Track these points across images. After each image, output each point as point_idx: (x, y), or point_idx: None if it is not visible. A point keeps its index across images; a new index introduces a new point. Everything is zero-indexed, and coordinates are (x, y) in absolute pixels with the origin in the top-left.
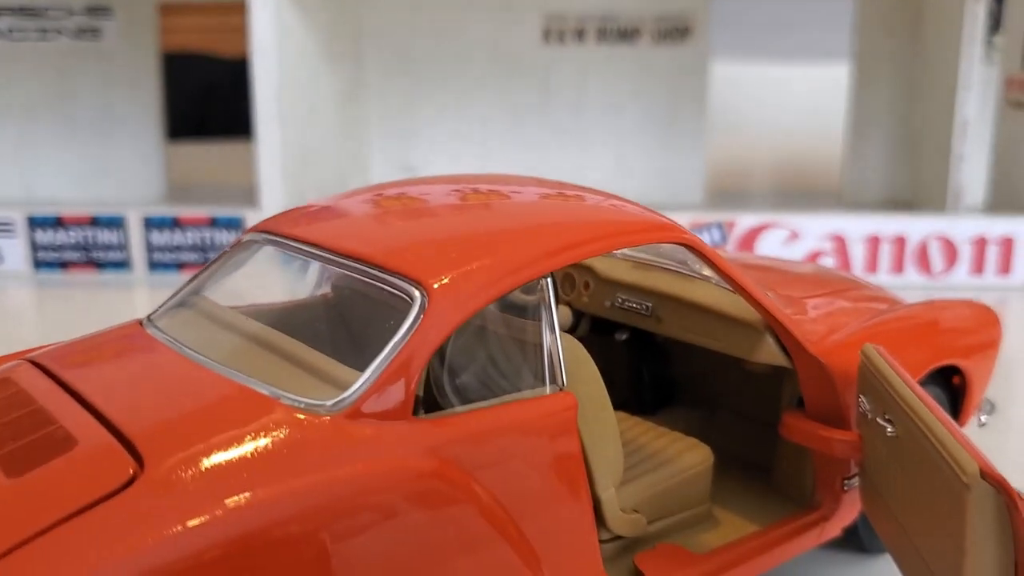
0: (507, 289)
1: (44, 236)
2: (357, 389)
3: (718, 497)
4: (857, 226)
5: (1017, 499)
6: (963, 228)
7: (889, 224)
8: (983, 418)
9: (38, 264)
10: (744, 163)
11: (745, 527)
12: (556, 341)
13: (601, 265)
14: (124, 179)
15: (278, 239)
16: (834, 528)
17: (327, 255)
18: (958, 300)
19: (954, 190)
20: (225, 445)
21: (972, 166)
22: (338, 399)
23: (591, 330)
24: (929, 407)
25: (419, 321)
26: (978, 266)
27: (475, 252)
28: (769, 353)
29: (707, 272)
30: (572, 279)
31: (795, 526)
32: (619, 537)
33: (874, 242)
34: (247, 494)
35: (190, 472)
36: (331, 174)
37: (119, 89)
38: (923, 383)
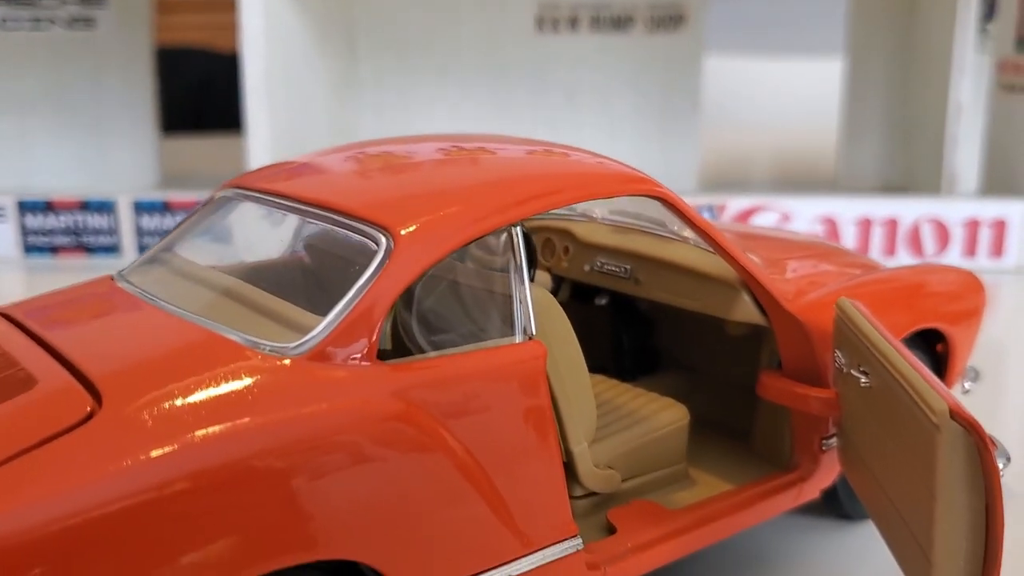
0: (474, 236)
1: (34, 221)
2: (320, 332)
3: (695, 458)
4: (849, 208)
5: (987, 440)
6: (955, 210)
7: (881, 206)
8: (967, 385)
9: (28, 249)
10: (739, 155)
11: (721, 486)
12: (525, 290)
13: (581, 230)
14: (118, 171)
15: (251, 194)
16: (812, 489)
17: (298, 206)
18: (943, 265)
19: (948, 175)
20: (185, 385)
21: (966, 153)
22: (301, 342)
23: (571, 296)
24: (902, 355)
25: (384, 266)
26: (970, 248)
27: (444, 200)
28: (745, 311)
29: (687, 234)
30: (552, 244)
31: (771, 486)
32: (593, 493)
33: (866, 224)
34: (205, 430)
35: (148, 409)
36: None
37: (113, 81)
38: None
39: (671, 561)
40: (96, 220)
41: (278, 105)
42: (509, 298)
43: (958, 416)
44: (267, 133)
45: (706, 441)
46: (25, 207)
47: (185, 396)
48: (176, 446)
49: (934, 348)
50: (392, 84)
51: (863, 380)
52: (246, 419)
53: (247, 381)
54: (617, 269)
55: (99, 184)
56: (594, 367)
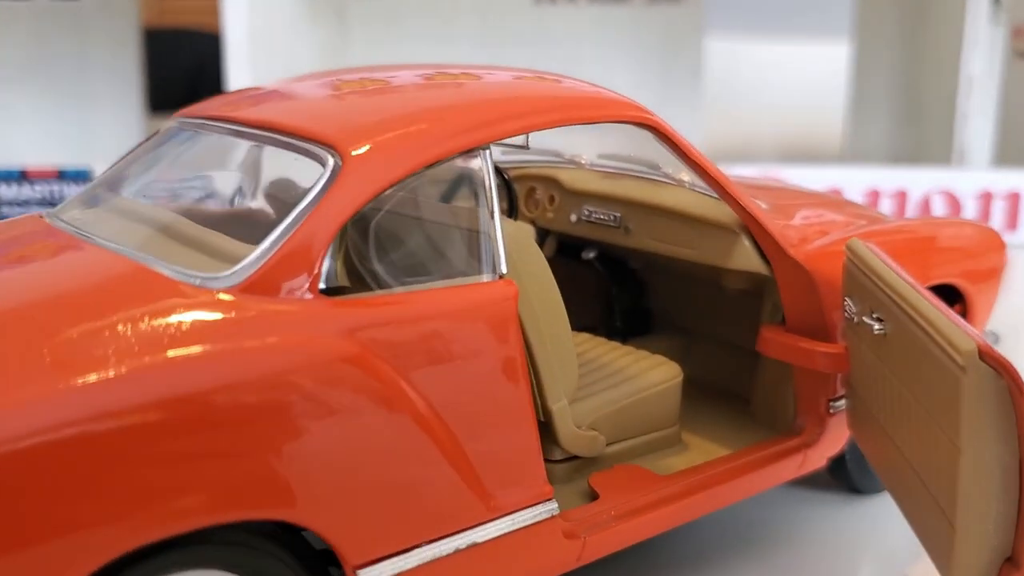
0: (437, 157)
1: (8, 191)
2: (253, 262)
3: (690, 422)
4: (857, 179)
5: (1020, 382)
6: (968, 181)
7: (891, 177)
8: None
9: (2, 219)
10: (744, 135)
11: (717, 452)
12: (495, 223)
13: (567, 177)
14: (101, 146)
15: (200, 122)
16: (818, 457)
17: (245, 130)
18: (962, 219)
19: (959, 150)
20: (104, 317)
21: (979, 128)
22: (231, 272)
23: (558, 251)
24: (923, 294)
25: (329, 188)
26: (983, 221)
27: (406, 119)
28: (746, 258)
29: (684, 177)
30: (536, 194)
31: (772, 452)
32: (574, 457)
33: (874, 196)
34: (117, 368)
35: (67, 342)
36: None
37: (99, 56)
38: None
39: (660, 532)
40: (72, 190)
41: (261, 76)
42: (476, 231)
43: (988, 357)
44: None
45: (703, 405)
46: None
47: (102, 327)
48: (78, 385)
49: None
50: (384, 55)
51: (876, 327)
52: (159, 356)
53: (169, 315)
54: (605, 217)
55: (84, 163)
56: (582, 327)
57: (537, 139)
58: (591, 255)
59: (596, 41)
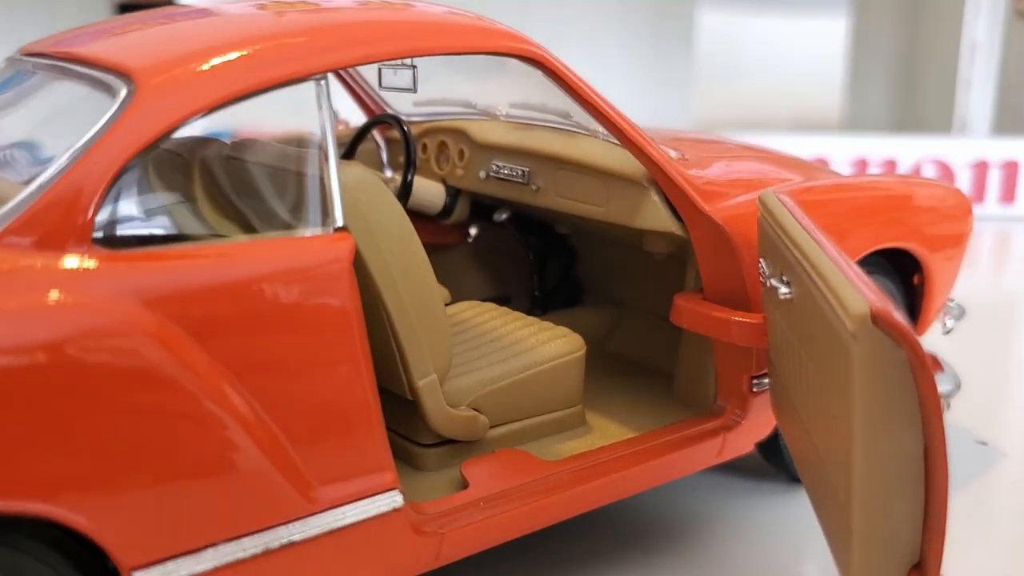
0: (251, 88)
1: None
2: (16, 207)
3: (604, 403)
4: (844, 148)
5: (922, 355)
6: (962, 150)
7: (880, 145)
8: (949, 322)
9: None
10: (738, 108)
11: (622, 436)
12: (330, 167)
13: (476, 128)
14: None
15: (26, 59)
16: (741, 441)
17: (53, 63)
18: (927, 179)
19: (960, 119)
20: None
21: (980, 96)
22: None
23: (474, 213)
24: (825, 250)
25: (115, 121)
26: (978, 193)
27: (217, 48)
28: (655, 216)
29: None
30: (446, 148)
31: (685, 435)
32: (451, 441)
33: (861, 165)
34: None
35: None
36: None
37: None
38: (866, 273)
39: (541, 526)
40: None
41: None
42: (305, 176)
43: (883, 322)
44: None
45: (624, 383)
46: None
47: None
48: None
49: (909, 279)
50: None
51: (783, 291)
52: None
53: None
54: (513, 173)
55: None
56: (497, 297)
57: (449, 89)
58: (503, 217)
59: (584, 12)
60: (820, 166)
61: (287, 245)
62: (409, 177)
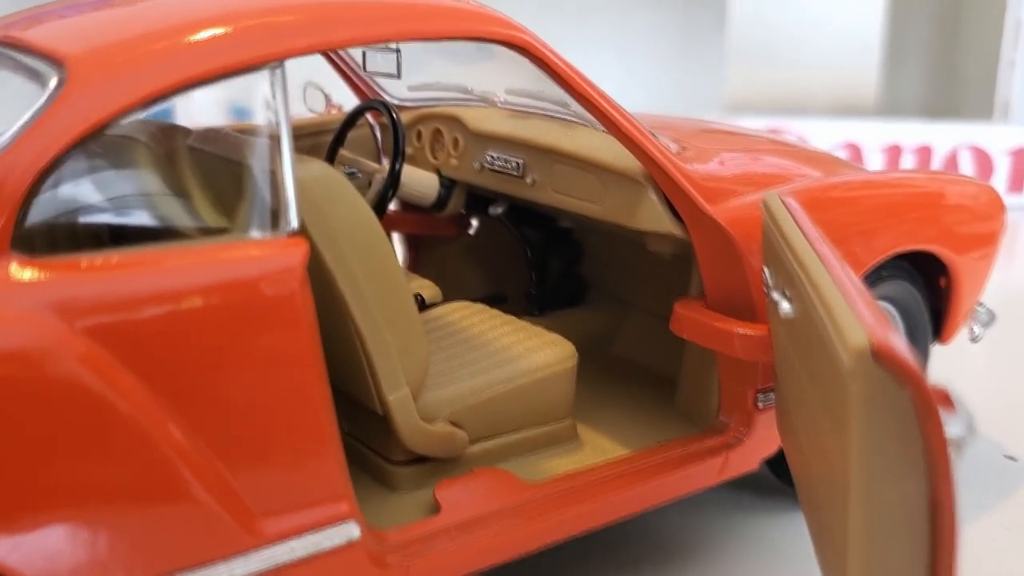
0: (197, 77)
1: None
2: None
3: (599, 416)
4: (875, 133)
5: (929, 396)
6: (1002, 137)
7: (915, 132)
8: (977, 330)
9: None
10: (771, 92)
11: (615, 453)
12: (284, 162)
13: (472, 116)
14: None
15: None
16: (745, 460)
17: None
18: (957, 175)
19: (1002, 103)
20: None
21: (1023, 76)
22: None
23: (469, 205)
24: (827, 266)
25: (45, 111)
26: (1017, 182)
27: (163, 33)
28: (652, 216)
29: None
30: (441, 136)
31: (683, 453)
32: (427, 459)
33: (895, 152)
34: None
35: None
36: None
37: None
38: (888, 276)
39: (520, 553)
40: None
41: None
42: (254, 173)
43: (884, 358)
44: None
45: (624, 393)
46: None
47: None
48: None
49: (936, 282)
50: None
51: (784, 307)
52: None
53: None
54: (507, 165)
55: None
56: (493, 298)
57: (445, 73)
58: (498, 211)
59: None
60: (845, 161)
61: (230, 252)
62: (397, 166)
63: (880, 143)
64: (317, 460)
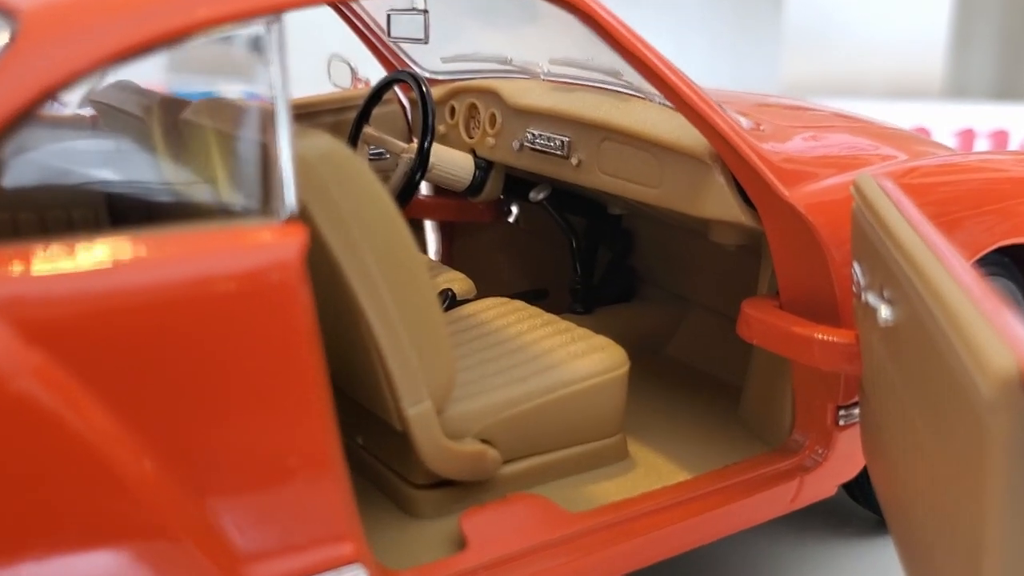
0: (178, 30)
1: None
2: None
3: (653, 429)
4: (946, 116)
5: None
6: None
7: (987, 115)
8: None
9: None
10: (830, 72)
11: (673, 476)
12: (282, 136)
13: (510, 89)
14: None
15: None
16: (822, 484)
17: None
18: None
19: None
20: None
21: None
22: None
23: (508, 190)
24: (948, 267)
25: None
26: None
27: None
28: (719, 202)
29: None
30: (476, 113)
31: (751, 477)
32: (452, 482)
33: (967, 136)
34: None
35: None
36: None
37: None
38: (985, 273)
39: None
40: None
41: None
42: (244, 148)
43: None
44: None
45: (681, 403)
46: None
47: None
48: None
49: None
50: None
51: (884, 313)
52: None
53: None
54: (550, 143)
55: None
56: (531, 292)
57: (482, 42)
58: (540, 196)
59: None
60: (929, 140)
61: (209, 241)
62: (426, 145)
63: (951, 127)
64: (316, 492)
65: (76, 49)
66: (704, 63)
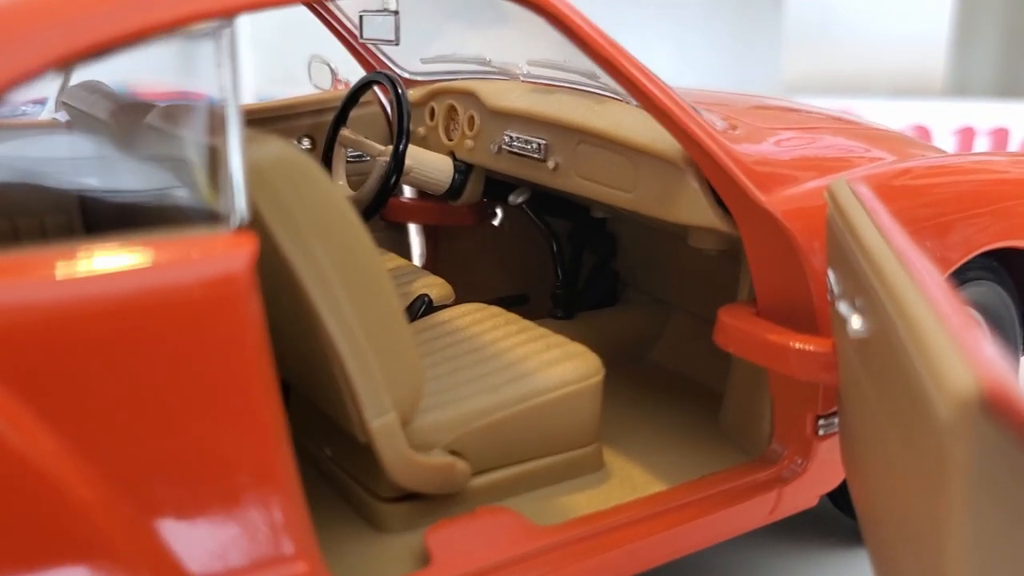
0: (116, 38)
1: None
2: None
3: (628, 436)
4: (947, 114)
5: None
6: None
7: (989, 113)
8: None
9: None
10: (831, 71)
11: (648, 487)
12: (232, 139)
13: (489, 90)
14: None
15: None
16: (802, 495)
17: None
18: None
19: None
20: None
21: None
22: None
23: (489, 193)
24: (912, 271)
25: None
26: None
27: None
28: (693, 206)
29: None
30: (455, 115)
31: (728, 489)
32: (416, 495)
33: (968, 134)
34: None
35: None
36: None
37: None
38: (973, 278)
39: None
40: None
41: None
42: (192, 154)
43: (1001, 409)
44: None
45: (660, 409)
46: None
47: None
48: None
49: None
50: None
51: (854, 323)
52: None
53: None
54: (528, 146)
55: None
56: (509, 298)
57: (462, 42)
58: (520, 200)
59: None
60: (919, 141)
61: (156, 251)
62: (401, 147)
63: (951, 125)
64: (267, 509)
65: (20, 53)
66: (705, 62)
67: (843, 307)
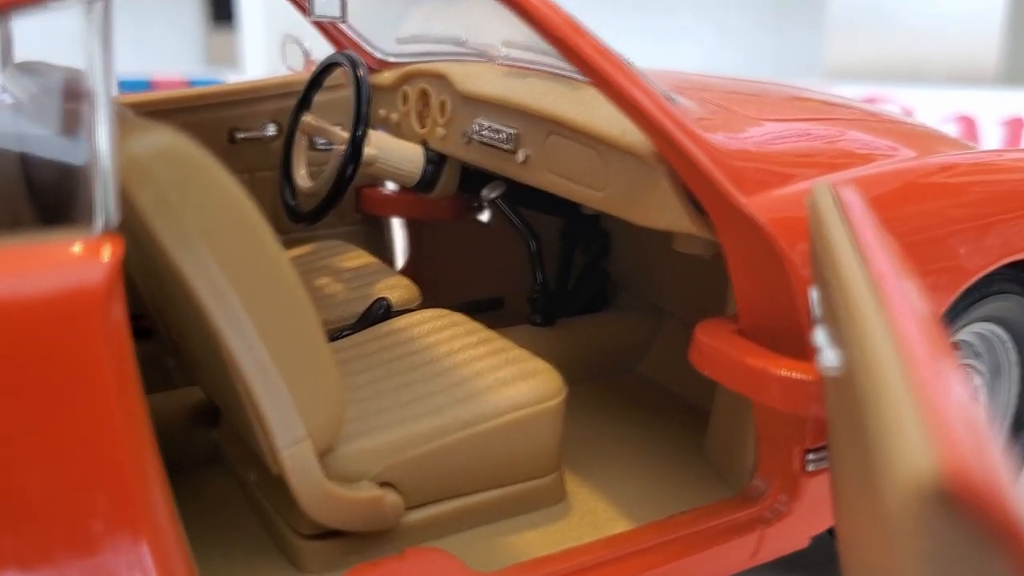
0: None
1: None
2: None
3: (598, 464)
4: (992, 104)
5: None
6: None
7: None
8: None
9: None
10: (877, 58)
11: (613, 526)
12: (97, 124)
13: (462, 73)
14: (161, 58)
15: None
16: (788, 536)
17: None
18: None
19: None
20: None
21: None
22: None
23: (465, 186)
24: (885, 300)
25: None
26: None
27: None
28: (663, 209)
29: None
30: (428, 99)
31: (702, 531)
32: (340, 533)
33: (1016, 125)
34: None
35: None
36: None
37: None
38: (998, 290)
39: None
40: None
41: None
42: (51, 145)
43: (967, 499)
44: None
45: (640, 431)
46: None
47: None
48: None
49: None
50: None
51: (827, 356)
52: None
53: None
54: (498, 136)
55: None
56: (482, 302)
57: (439, 21)
58: (494, 194)
59: None
60: (950, 137)
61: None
62: (358, 134)
63: (1000, 115)
64: (132, 562)
65: None
66: (747, 46)
67: (819, 335)
